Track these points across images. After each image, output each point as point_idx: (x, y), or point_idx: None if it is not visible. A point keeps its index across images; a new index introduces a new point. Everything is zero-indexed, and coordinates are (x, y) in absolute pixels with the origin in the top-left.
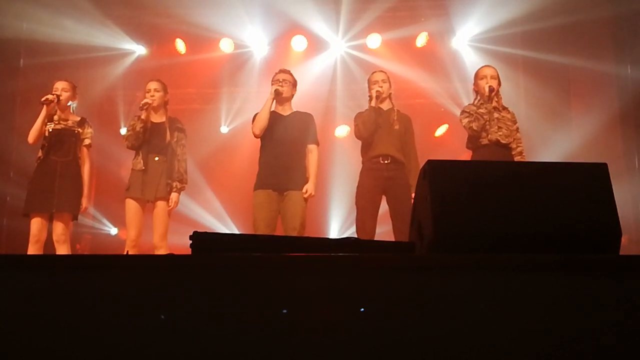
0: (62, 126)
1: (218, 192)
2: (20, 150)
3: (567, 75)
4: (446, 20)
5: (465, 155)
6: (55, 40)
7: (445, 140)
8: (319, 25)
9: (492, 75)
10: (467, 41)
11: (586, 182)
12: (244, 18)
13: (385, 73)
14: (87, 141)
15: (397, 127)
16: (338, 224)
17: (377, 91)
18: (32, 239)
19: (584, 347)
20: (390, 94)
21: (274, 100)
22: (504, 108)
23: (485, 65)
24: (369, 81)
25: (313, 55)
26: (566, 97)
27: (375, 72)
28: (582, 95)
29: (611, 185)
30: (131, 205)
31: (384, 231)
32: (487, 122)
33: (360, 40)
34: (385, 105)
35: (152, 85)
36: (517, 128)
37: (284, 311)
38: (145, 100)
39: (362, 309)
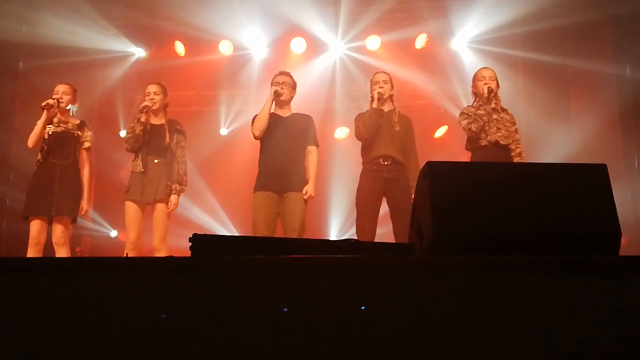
0: (62, 129)
1: (217, 194)
2: (19, 152)
3: (566, 76)
4: (445, 21)
5: (465, 156)
6: (54, 43)
7: (445, 142)
8: (318, 27)
9: (491, 76)
10: (466, 42)
11: (586, 183)
12: (243, 20)
13: (388, 74)
14: (86, 144)
15: (397, 128)
16: (338, 226)
17: (378, 92)
18: (31, 241)
19: (584, 348)
20: (391, 95)
21: (274, 102)
22: (503, 109)
23: (484, 67)
24: (370, 82)
25: (312, 57)
26: (565, 98)
27: (377, 73)
28: (582, 96)
29: (611, 186)
30: (131, 208)
31: (384, 232)
32: (486, 124)
33: (359, 42)
34: (386, 107)
35: (152, 88)
36: (516, 129)
37: (284, 312)
38: (145, 103)
39: (363, 307)
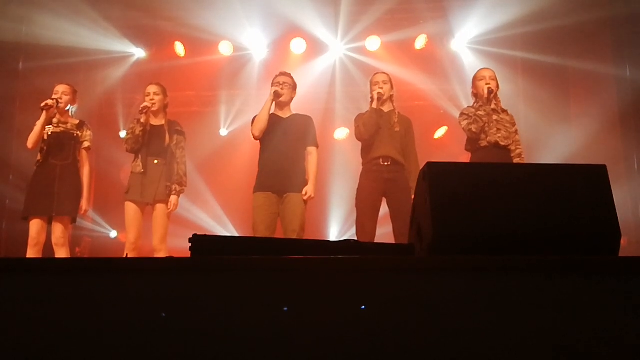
0: (62, 129)
1: (217, 195)
2: (19, 153)
3: (566, 77)
4: (445, 22)
5: (465, 157)
6: (54, 44)
7: (445, 142)
8: (318, 27)
9: (491, 76)
10: (466, 43)
11: (586, 184)
12: (243, 21)
13: (387, 75)
14: (86, 144)
15: (398, 129)
16: (338, 226)
17: (378, 93)
18: (31, 242)
19: (584, 348)
20: (391, 95)
21: (274, 102)
22: (503, 110)
23: (484, 68)
24: (370, 82)
25: (312, 58)
26: (565, 99)
27: (377, 73)
28: (581, 97)
29: (610, 187)
30: (130, 208)
31: (384, 233)
32: (486, 124)
33: (359, 42)
34: (386, 107)
35: (152, 88)
36: (516, 130)
37: (284, 313)
38: (144, 104)
39: (363, 307)
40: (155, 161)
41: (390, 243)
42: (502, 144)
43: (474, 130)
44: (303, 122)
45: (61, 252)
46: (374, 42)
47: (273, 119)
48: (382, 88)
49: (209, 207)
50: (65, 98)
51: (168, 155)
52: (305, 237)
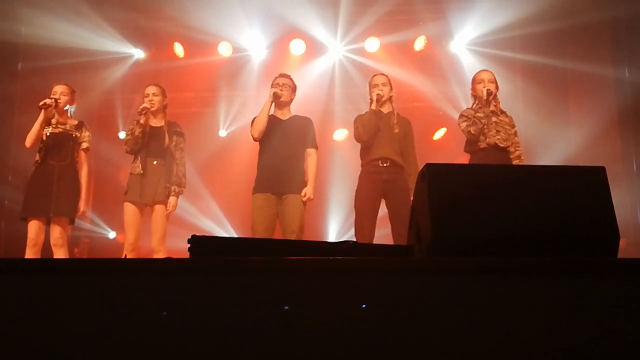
0: (60, 130)
1: (216, 196)
2: (18, 153)
3: (565, 79)
4: (444, 24)
5: (464, 158)
6: (53, 44)
7: (444, 144)
8: (317, 29)
9: (490, 79)
10: (465, 45)
11: (584, 186)
12: (242, 22)
13: (386, 76)
14: (84, 145)
15: (397, 130)
16: (337, 228)
17: (377, 94)
18: (29, 242)
19: (582, 349)
20: (390, 97)
21: (273, 104)
22: (502, 112)
23: (483, 70)
24: (369, 84)
25: (311, 59)
26: (564, 101)
27: (376, 75)
28: (580, 99)
29: (609, 189)
30: (129, 209)
31: (383, 234)
32: (485, 126)
33: (358, 43)
34: (385, 109)
35: (151, 89)
36: (515, 132)
37: (283, 315)
38: (144, 105)
39: (364, 306)
40: (155, 162)
41: (389, 244)
42: (501, 145)
43: (472, 131)
44: (302, 124)
45: (60, 253)
46: (373, 44)
47: (272, 120)
48: (381, 90)
49: (208, 208)
50: (63, 98)
51: (167, 156)
52: (304, 238)
